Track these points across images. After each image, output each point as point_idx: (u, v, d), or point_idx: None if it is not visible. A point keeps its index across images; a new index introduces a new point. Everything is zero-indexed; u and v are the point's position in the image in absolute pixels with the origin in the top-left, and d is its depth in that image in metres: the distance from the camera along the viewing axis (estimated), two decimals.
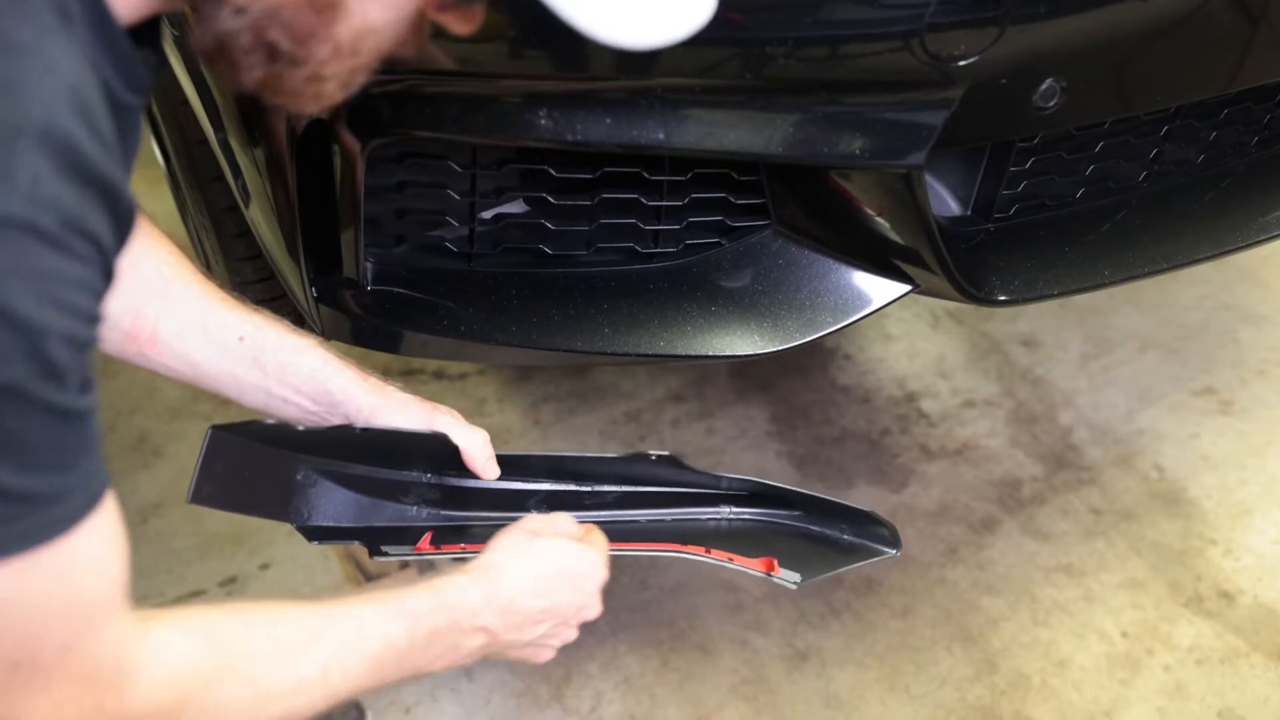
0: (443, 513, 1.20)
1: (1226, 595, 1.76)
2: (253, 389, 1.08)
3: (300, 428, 1.09)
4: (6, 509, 0.60)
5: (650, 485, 1.26)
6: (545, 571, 0.95)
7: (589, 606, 1.02)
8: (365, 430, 1.10)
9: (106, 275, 0.63)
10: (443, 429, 1.13)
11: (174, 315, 1.03)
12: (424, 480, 1.20)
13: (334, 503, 1.14)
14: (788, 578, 1.20)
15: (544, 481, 1.26)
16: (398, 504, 1.18)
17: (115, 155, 0.63)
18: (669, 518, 1.26)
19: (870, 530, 1.27)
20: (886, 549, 1.24)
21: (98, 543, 0.66)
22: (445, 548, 1.15)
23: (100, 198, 0.61)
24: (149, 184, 2.69)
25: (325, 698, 0.80)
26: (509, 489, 1.23)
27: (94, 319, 0.62)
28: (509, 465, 1.19)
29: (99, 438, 0.65)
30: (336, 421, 1.11)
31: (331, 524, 1.14)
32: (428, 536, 1.16)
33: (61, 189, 0.58)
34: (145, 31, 0.70)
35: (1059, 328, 2.25)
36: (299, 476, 1.11)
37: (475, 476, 1.17)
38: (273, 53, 0.68)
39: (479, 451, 1.15)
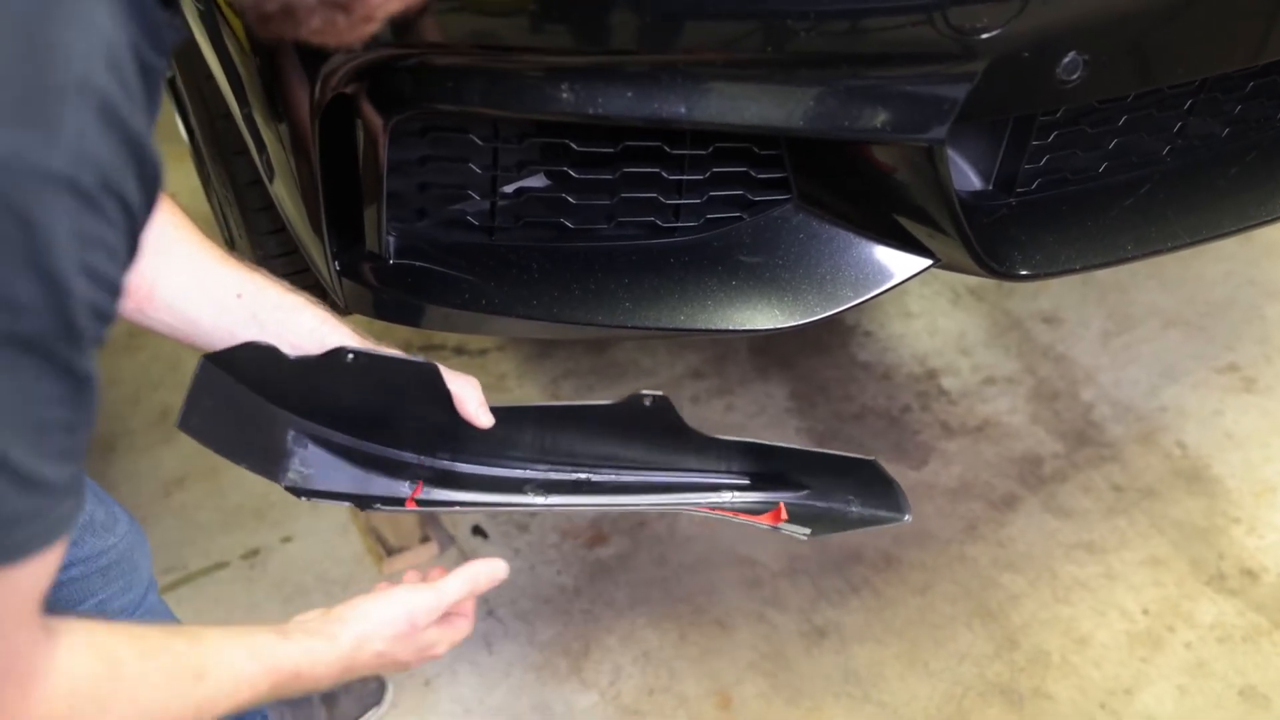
0: (435, 494, 1.21)
1: (1249, 573, 1.75)
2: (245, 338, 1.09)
3: (291, 354, 1.09)
4: (27, 502, 0.60)
5: (645, 450, 1.23)
6: (387, 629, 0.98)
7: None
8: (356, 356, 1.09)
9: (133, 245, 0.64)
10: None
11: (173, 273, 1.04)
12: (418, 462, 1.21)
13: (325, 469, 1.14)
14: (796, 530, 1.19)
15: (537, 463, 1.24)
16: (390, 479, 1.18)
17: (143, 111, 0.64)
18: (667, 504, 1.26)
19: (878, 497, 1.24)
20: (895, 516, 1.21)
21: (58, 554, 0.66)
22: (436, 492, 1.17)
23: (132, 158, 0.61)
24: (173, 159, 2.71)
25: None
26: (505, 476, 1.23)
27: (116, 291, 0.63)
28: (501, 417, 1.18)
29: (83, 469, 0.65)
30: None
31: (322, 489, 1.14)
32: (419, 488, 1.17)
33: (103, 146, 0.59)
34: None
35: (1081, 304, 2.24)
36: (289, 438, 1.12)
37: (469, 436, 1.16)
38: (331, 5, 0.69)
39: (471, 398, 1.15)
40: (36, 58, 0.57)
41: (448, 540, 1.86)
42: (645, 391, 1.17)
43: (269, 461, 1.13)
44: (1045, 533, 1.84)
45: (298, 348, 1.09)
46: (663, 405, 1.17)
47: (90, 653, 0.75)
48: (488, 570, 1.04)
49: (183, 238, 1.06)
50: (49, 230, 0.56)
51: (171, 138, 2.29)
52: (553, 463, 1.25)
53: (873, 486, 1.24)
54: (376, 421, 1.18)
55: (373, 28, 0.73)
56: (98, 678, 0.75)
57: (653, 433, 1.20)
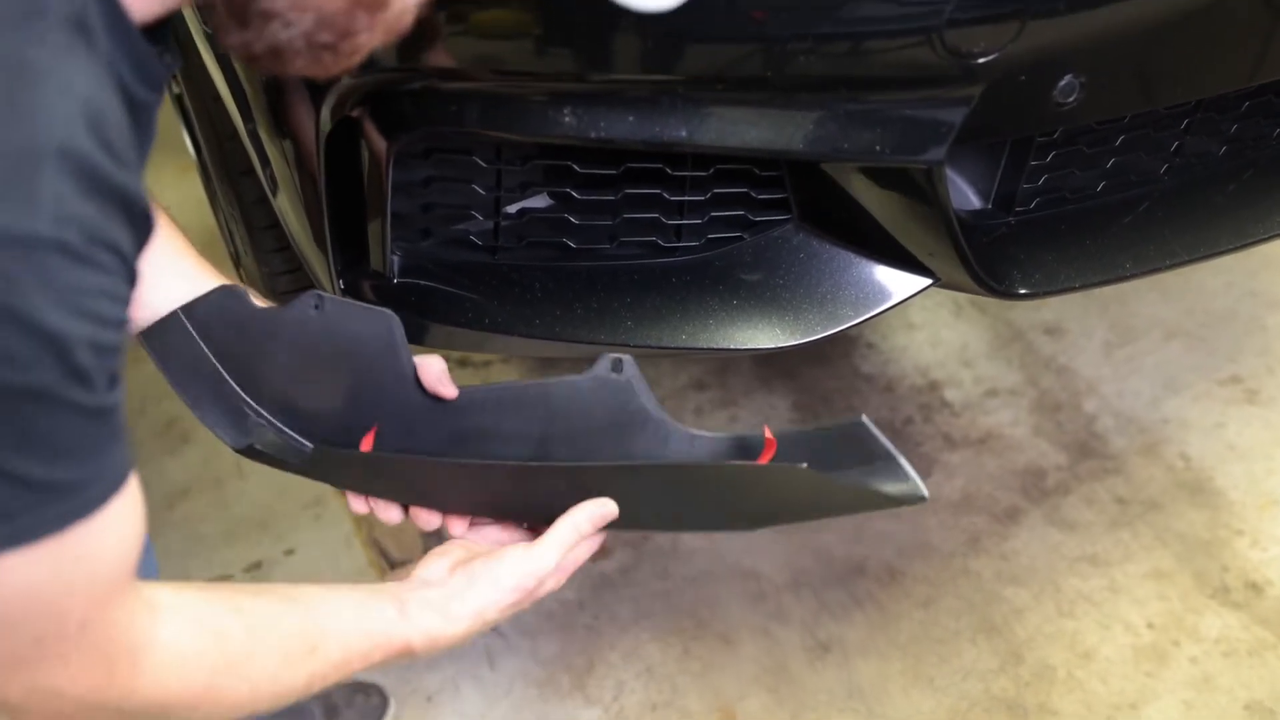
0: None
1: (1254, 586, 1.75)
2: None
3: (260, 305, 1.09)
4: (39, 496, 0.63)
5: (615, 439, 1.09)
6: (506, 599, 0.98)
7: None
8: (320, 305, 1.08)
9: (130, 279, 0.66)
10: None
11: (168, 281, 1.07)
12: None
13: (282, 448, 1.12)
14: (789, 467, 1.05)
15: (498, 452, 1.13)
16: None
17: (130, 162, 0.66)
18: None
19: (880, 472, 1.07)
20: (907, 489, 1.04)
21: (120, 524, 0.69)
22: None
23: (119, 209, 0.63)
24: (180, 170, 2.72)
25: (309, 690, 0.87)
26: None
27: (119, 323, 0.65)
28: (465, 399, 1.13)
29: (124, 425, 0.68)
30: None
31: (274, 456, 1.12)
32: (371, 435, 1.12)
33: (84, 206, 0.60)
34: (159, 29, 0.73)
35: (1083, 316, 2.24)
36: (250, 418, 1.11)
37: (426, 421, 1.12)
38: (318, 48, 0.73)
39: (434, 367, 1.13)
40: (13, 127, 0.58)
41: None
42: (614, 362, 1.09)
43: (226, 424, 1.12)
44: (1049, 546, 1.84)
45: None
46: (632, 376, 1.08)
47: (194, 631, 0.78)
48: (592, 513, 0.99)
49: (175, 254, 1.08)
50: (36, 290, 0.58)
51: (179, 149, 2.31)
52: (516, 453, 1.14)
53: (872, 463, 1.08)
54: (332, 397, 1.14)
55: (358, 59, 0.77)
56: (206, 653, 0.78)
57: (625, 422, 1.09)
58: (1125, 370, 2.13)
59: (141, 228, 0.66)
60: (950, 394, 2.11)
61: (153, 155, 2.31)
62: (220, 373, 1.10)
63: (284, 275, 1.65)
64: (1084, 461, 1.97)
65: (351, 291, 1.36)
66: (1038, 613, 1.74)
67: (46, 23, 0.61)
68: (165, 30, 0.74)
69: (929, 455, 2.00)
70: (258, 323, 1.10)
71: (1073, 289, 1.23)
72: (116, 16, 0.66)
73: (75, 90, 0.61)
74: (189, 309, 1.09)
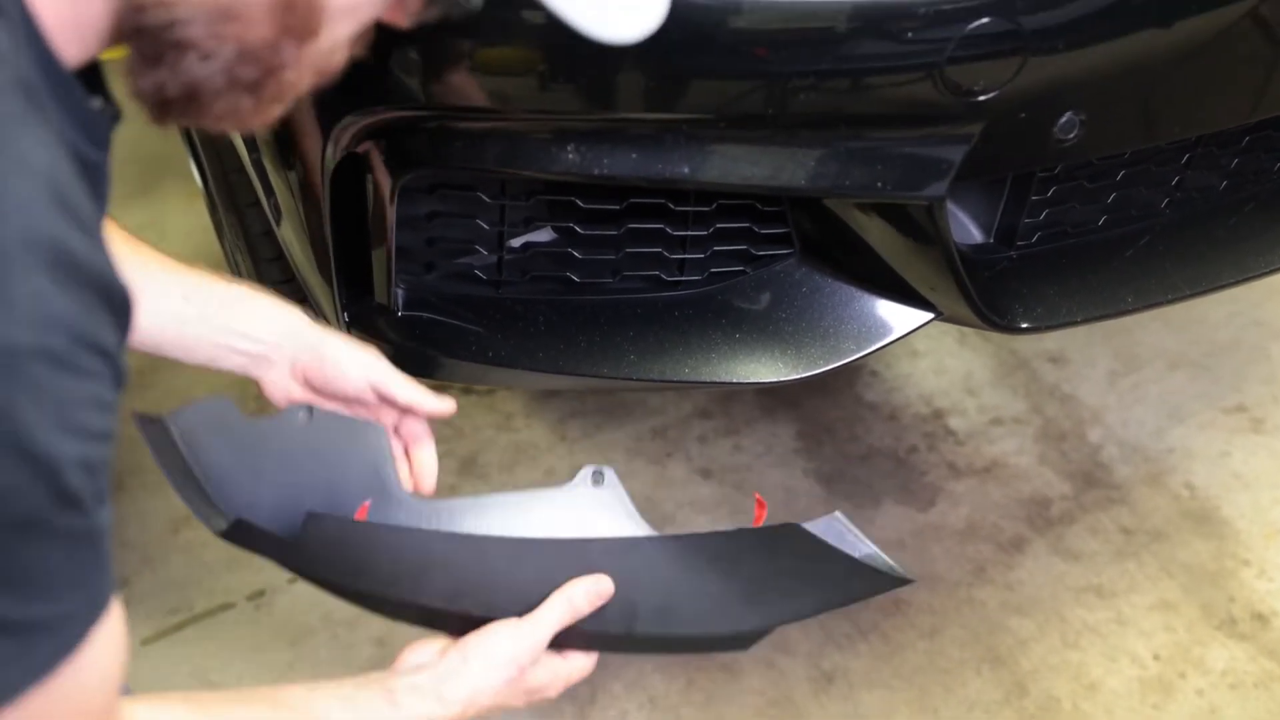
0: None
1: (1260, 617, 1.75)
2: (197, 346, 1.07)
3: (244, 418, 1.07)
4: (22, 643, 0.57)
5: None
6: (501, 676, 0.93)
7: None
8: (310, 416, 1.08)
9: (117, 381, 0.59)
10: (386, 376, 1.09)
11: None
12: None
13: (267, 542, 1.07)
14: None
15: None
16: None
17: (100, 236, 0.59)
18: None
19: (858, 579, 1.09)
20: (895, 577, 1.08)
21: (105, 654, 0.63)
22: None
23: (99, 297, 0.57)
24: (187, 198, 2.74)
25: None
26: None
27: (108, 436, 0.58)
28: (447, 510, 1.11)
29: (111, 546, 0.62)
30: (279, 365, 1.08)
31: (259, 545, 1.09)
32: (364, 509, 1.10)
33: (64, 302, 0.54)
34: (94, 76, 0.66)
35: (1087, 344, 2.24)
36: (233, 520, 1.05)
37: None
38: (239, 88, 0.65)
39: (426, 403, 1.10)
40: None
41: None
42: (589, 471, 1.09)
43: (212, 518, 1.08)
44: (1054, 576, 1.84)
45: (247, 336, 1.06)
46: (612, 486, 1.08)
47: None
48: (588, 589, 0.95)
49: (126, 255, 1.03)
50: (24, 408, 0.52)
51: (186, 175, 2.33)
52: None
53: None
54: (316, 507, 1.08)
55: (279, 110, 0.70)
56: None
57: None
58: (1130, 399, 2.13)
59: (123, 316, 0.60)
60: (954, 422, 2.11)
61: (159, 184, 2.33)
62: (200, 484, 1.06)
63: None
64: (1089, 491, 1.97)
65: (356, 324, 1.37)
66: (1043, 644, 1.74)
67: None
68: (98, 77, 0.67)
69: (933, 484, 1.99)
70: (245, 434, 1.08)
71: (1074, 323, 1.24)
72: (54, 71, 0.59)
73: (35, 166, 0.54)
74: (176, 417, 1.06)
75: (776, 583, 1.04)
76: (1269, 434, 2.04)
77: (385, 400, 1.09)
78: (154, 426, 1.06)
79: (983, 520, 1.93)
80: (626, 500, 1.09)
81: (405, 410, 1.11)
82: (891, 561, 1.07)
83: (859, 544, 1.07)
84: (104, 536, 0.60)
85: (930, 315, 1.24)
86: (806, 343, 1.25)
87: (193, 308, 1.05)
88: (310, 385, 1.08)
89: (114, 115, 0.67)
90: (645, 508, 1.97)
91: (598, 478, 1.09)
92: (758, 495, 1.06)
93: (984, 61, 1.07)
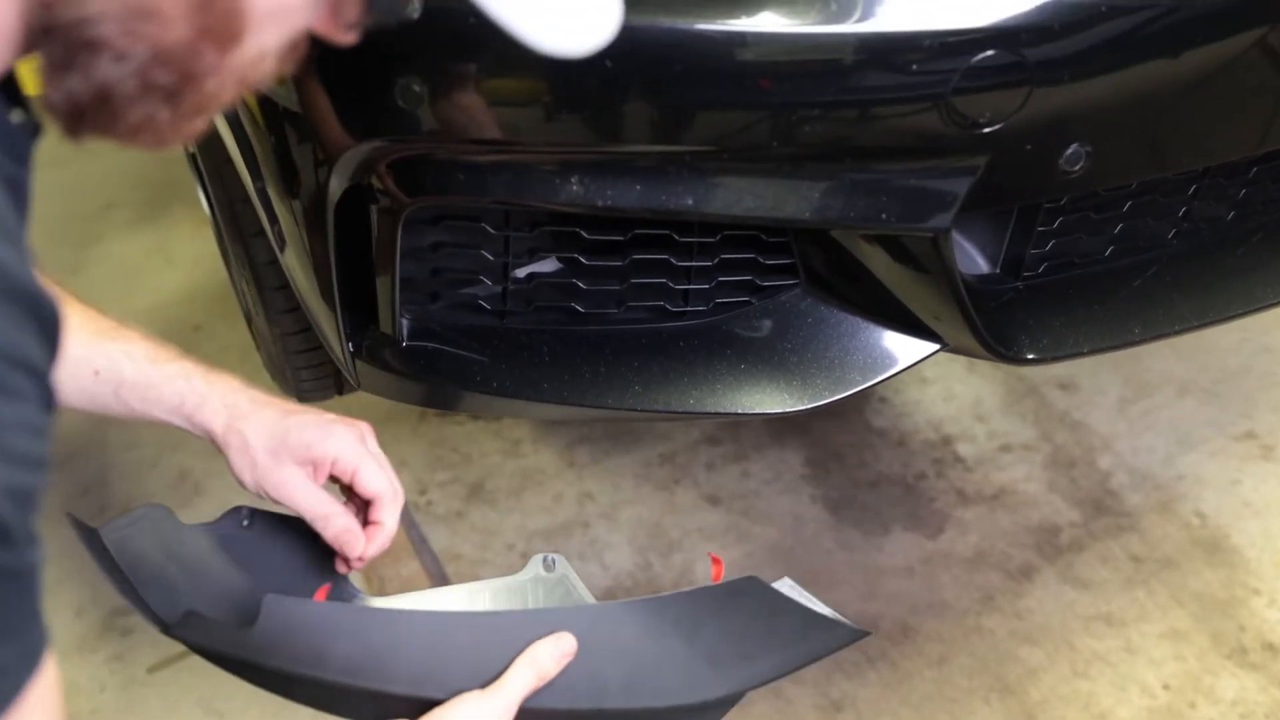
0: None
1: (1271, 647, 1.73)
2: (129, 416, 1.01)
3: (182, 525, 1.03)
4: None
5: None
6: None
7: None
8: (251, 522, 1.05)
9: (47, 405, 0.56)
10: (341, 452, 1.02)
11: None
12: None
13: (219, 634, 1.00)
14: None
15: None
16: None
17: (26, 250, 0.56)
18: None
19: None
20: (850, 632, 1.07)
21: (40, 713, 0.57)
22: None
23: (28, 314, 0.54)
24: (194, 224, 2.75)
25: None
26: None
27: (40, 464, 0.54)
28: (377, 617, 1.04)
29: (41, 590, 0.57)
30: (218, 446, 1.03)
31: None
32: (323, 591, 1.06)
33: None
34: (10, 90, 0.62)
35: (1096, 371, 2.23)
36: (182, 613, 1.00)
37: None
38: (156, 94, 0.61)
39: (387, 498, 1.03)
40: None
41: None
42: (544, 563, 1.06)
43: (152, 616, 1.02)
44: (1063, 604, 1.83)
45: (169, 415, 1.00)
46: (565, 573, 1.05)
47: None
48: (551, 649, 0.91)
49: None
50: None
51: (193, 202, 2.33)
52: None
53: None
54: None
55: (199, 125, 0.66)
56: None
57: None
58: (1140, 426, 2.12)
59: (52, 334, 0.57)
60: (963, 449, 2.10)
61: (168, 209, 2.33)
62: (136, 594, 1.00)
63: (295, 335, 1.66)
64: (1098, 518, 1.96)
65: (360, 354, 1.37)
66: (1052, 673, 1.72)
67: None
68: (15, 89, 0.63)
69: (942, 511, 1.98)
70: (185, 541, 1.04)
71: (1081, 354, 1.23)
72: None
73: None
74: (109, 528, 1.02)
75: (740, 644, 1.01)
76: (1279, 461, 2.03)
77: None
78: (90, 536, 1.01)
79: (992, 548, 1.92)
80: (580, 586, 1.07)
81: None
82: (846, 620, 1.05)
83: (814, 603, 1.06)
84: (35, 578, 0.55)
85: (936, 346, 1.23)
86: (812, 373, 1.24)
87: (104, 385, 0.98)
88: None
89: (34, 129, 0.63)
90: (652, 534, 1.97)
91: (549, 565, 1.07)
92: (712, 554, 1.05)
93: (989, 93, 1.07)
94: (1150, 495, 1.98)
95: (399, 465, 2.13)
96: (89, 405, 0.98)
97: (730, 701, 1.02)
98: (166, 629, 0.97)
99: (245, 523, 1.06)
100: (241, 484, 1.02)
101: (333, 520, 1.00)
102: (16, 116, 0.60)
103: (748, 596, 1.03)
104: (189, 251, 2.66)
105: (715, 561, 1.07)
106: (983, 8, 1.02)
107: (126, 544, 1.01)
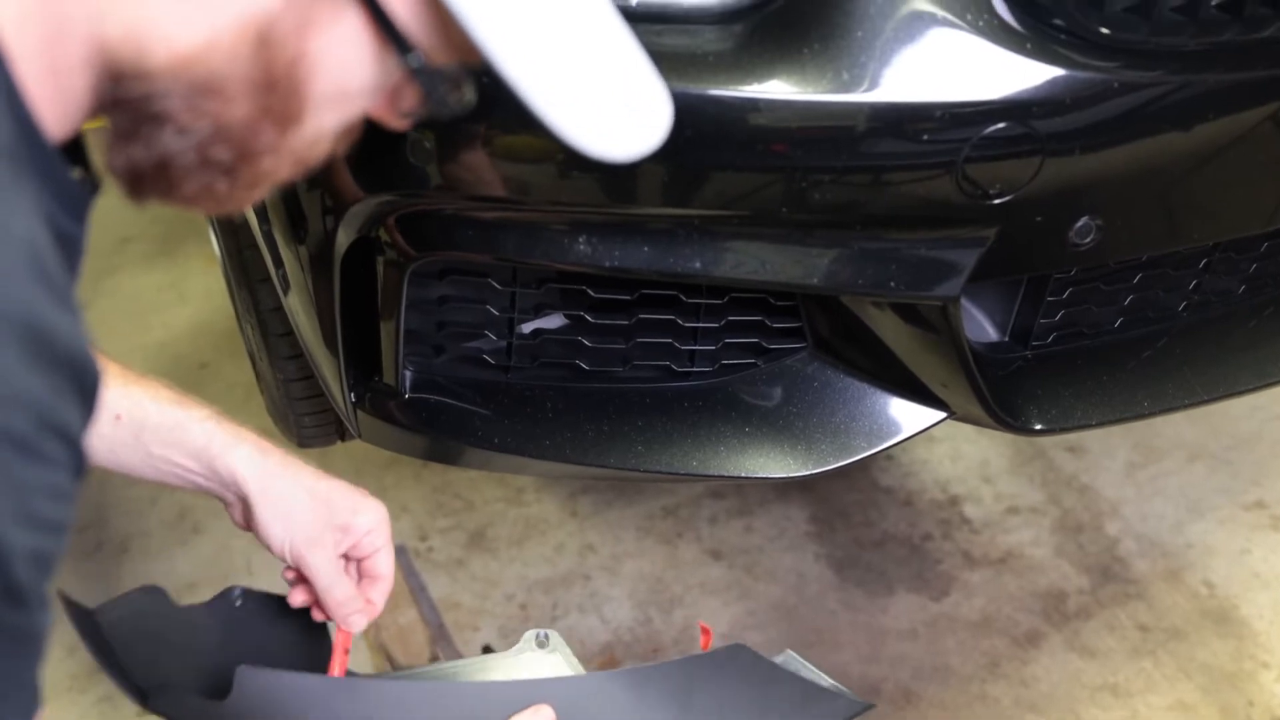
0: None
1: None
2: (141, 467, 0.99)
3: (175, 606, 1.02)
4: None
5: None
6: None
7: None
8: (243, 602, 1.04)
9: (78, 471, 0.56)
10: (374, 528, 1.02)
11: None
12: None
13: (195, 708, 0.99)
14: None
15: None
16: None
17: (75, 309, 0.57)
18: None
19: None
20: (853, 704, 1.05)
21: None
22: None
23: (69, 379, 0.54)
24: (208, 261, 2.76)
25: None
26: None
27: (63, 529, 0.55)
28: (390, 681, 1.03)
29: (44, 655, 0.57)
30: (229, 501, 1.01)
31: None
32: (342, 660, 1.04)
33: (32, 382, 0.51)
34: (74, 149, 0.64)
35: (1106, 435, 2.21)
36: (157, 685, 0.99)
37: None
38: (214, 168, 0.64)
39: (387, 583, 1.03)
40: None
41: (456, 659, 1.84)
42: (534, 637, 1.04)
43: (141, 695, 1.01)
44: (1069, 673, 1.80)
45: (187, 466, 0.98)
46: (559, 649, 1.04)
47: None
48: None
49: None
50: None
51: (208, 237, 2.34)
52: None
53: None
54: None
55: (256, 196, 0.68)
56: None
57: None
58: (1148, 491, 2.10)
59: (90, 401, 0.57)
60: (970, 510, 2.08)
61: (182, 246, 2.33)
62: (119, 668, 0.99)
63: (298, 381, 1.66)
64: (1106, 585, 1.93)
65: (362, 404, 1.36)
66: None
67: None
68: (79, 147, 0.65)
69: (948, 573, 1.96)
70: (177, 622, 1.03)
71: (1089, 426, 1.22)
72: (36, 141, 0.57)
73: (15, 235, 0.52)
74: (104, 609, 1.01)
75: (732, 715, 0.99)
76: None
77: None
78: (83, 618, 0.99)
79: (998, 612, 1.90)
80: (574, 661, 1.05)
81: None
82: (848, 691, 1.03)
83: (817, 676, 1.04)
84: (41, 643, 0.55)
85: (942, 414, 1.22)
86: (817, 438, 1.23)
87: (126, 430, 0.97)
88: (248, 525, 1.01)
89: (93, 187, 0.65)
90: (654, 588, 1.95)
91: (542, 640, 1.05)
92: (702, 624, 1.03)
93: (1000, 164, 1.06)
94: (1158, 563, 1.96)
95: (400, 510, 2.14)
96: (104, 456, 0.96)
97: None
98: (144, 701, 0.96)
99: (238, 603, 1.05)
100: (262, 536, 0.99)
101: (338, 589, 1.00)
102: (77, 174, 0.62)
103: (739, 665, 1.01)
104: (201, 288, 2.67)
105: (704, 631, 1.05)
106: (994, 82, 1.02)
107: (118, 626, 1.00)
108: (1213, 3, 1.01)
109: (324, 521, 0.99)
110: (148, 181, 0.64)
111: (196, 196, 0.65)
